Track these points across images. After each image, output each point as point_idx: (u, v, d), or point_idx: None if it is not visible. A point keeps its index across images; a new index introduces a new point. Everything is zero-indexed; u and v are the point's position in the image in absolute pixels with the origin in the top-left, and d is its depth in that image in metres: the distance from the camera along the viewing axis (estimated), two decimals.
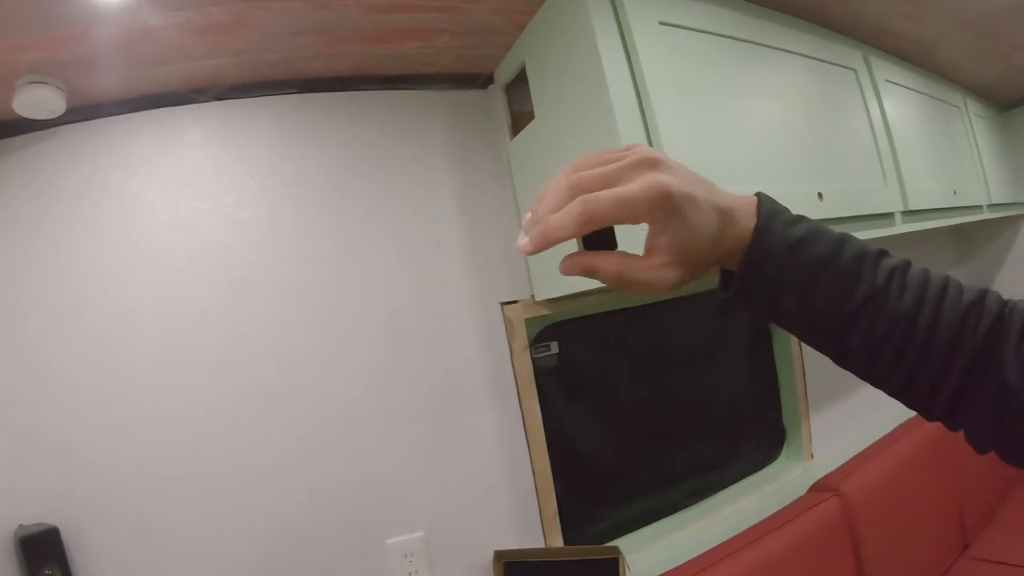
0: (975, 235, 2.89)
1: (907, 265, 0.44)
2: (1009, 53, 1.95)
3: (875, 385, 0.45)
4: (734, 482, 1.80)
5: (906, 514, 1.73)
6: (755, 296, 0.44)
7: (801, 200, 1.17)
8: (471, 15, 1.11)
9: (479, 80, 1.40)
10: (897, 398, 0.45)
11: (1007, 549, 1.83)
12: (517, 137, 1.31)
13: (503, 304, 1.34)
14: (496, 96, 1.38)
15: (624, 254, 0.42)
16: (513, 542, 1.29)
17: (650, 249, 0.41)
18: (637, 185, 0.38)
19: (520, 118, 1.33)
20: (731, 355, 1.87)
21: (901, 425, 2.06)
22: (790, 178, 1.20)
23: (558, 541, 1.36)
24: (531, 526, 1.33)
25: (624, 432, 1.59)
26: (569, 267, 0.42)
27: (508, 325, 1.32)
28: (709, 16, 1.12)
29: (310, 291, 1.18)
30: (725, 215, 0.42)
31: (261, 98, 1.20)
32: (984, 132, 2.28)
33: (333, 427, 1.17)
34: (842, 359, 0.45)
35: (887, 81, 1.56)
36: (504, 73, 1.32)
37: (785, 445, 1.95)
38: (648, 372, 1.67)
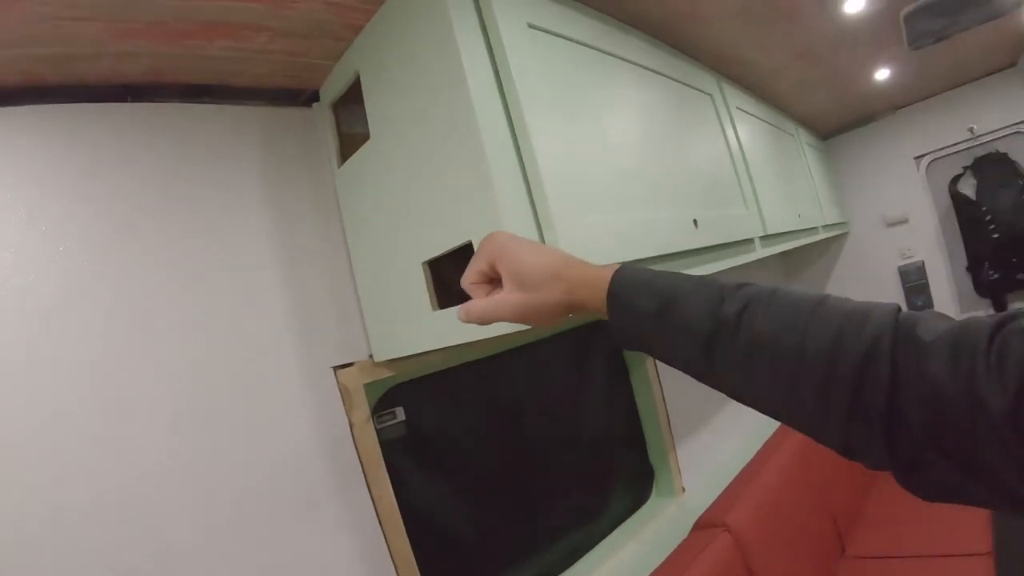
0: (801, 254, 3.15)
1: (773, 290, 0.45)
2: (835, 85, 2.09)
3: (771, 413, 0.45)
4: (611, 530, 1.68)
5: (790, 533, 1.76)
6: (629, 335, 0.51)
7: (678, 227, 1.12)
8: (299, 8, 0.89)
9: (302, 96, 1.17)
10: (794, 425, 0.44)
11: (877, 543, 1.97)
12: (346, 163, 1.08)
13: (336, 368, 1.08)
14: (322, 116, 1.15)
15: (488, 298, 0.56)
16: None
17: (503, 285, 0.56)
18: None
19: (350, 141, 1.11)
20: (589, 397, 1.75)
21: (764, 447, 2.11)
22: (666, 203, 1.12)
23: None
24: None
25: (489, 498, 1.40)
26: (459, 317, 0.58)
27: (344, 394, 1.07)
28: (578, 24, 1.02)
29: (71, 362, 0.84)
30: (566, 259, 0.54)
31: (27, 107, 0.88)
32: (813, 158, 2.46)
33: (115, 541, 0.83)
34: (729, 392, 0.47)
35: (738, 108, 1.57)
36: (333, 87, 1.10)
37: (655, 482, 1.88)
38: (505, 428, 1.50)
